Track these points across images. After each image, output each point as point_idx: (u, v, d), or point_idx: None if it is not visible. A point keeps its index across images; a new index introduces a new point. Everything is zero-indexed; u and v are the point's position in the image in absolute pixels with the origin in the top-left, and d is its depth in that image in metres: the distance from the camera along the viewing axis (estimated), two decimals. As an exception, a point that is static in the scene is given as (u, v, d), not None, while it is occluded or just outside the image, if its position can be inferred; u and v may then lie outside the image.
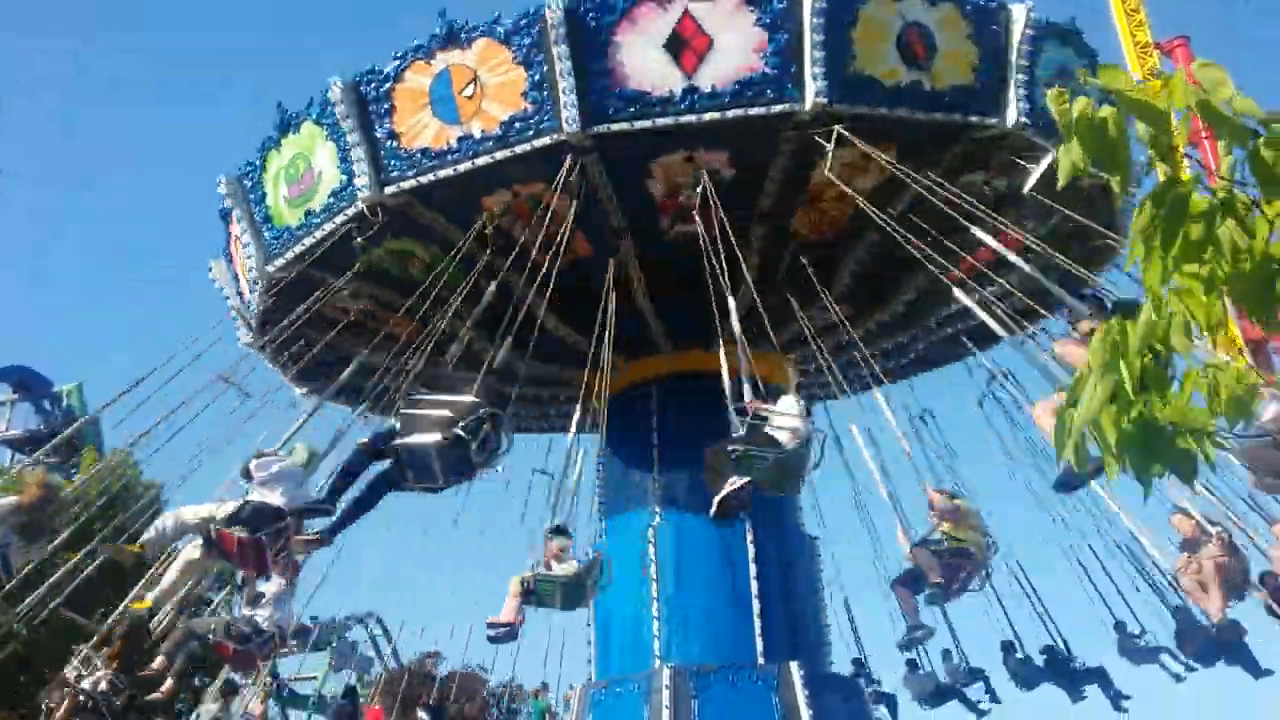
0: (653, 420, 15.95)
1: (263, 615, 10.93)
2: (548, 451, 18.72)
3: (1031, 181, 12.64)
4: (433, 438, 8.77)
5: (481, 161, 12.40)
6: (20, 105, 67.30)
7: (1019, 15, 12.94)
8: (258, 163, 14.47)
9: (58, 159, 76.45)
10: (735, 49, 12.13)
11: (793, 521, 16.01)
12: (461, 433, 8.70)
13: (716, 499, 10.23)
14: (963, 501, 12.43)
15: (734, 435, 10.02)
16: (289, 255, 14.20)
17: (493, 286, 12.64)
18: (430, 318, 13.75)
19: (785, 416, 9.88)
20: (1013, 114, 12.85)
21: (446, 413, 8.87)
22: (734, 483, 10.07)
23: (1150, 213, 2.58)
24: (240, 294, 15.93)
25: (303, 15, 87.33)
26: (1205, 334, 2.63)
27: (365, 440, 9.77)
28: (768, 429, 9.82)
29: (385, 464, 9.53)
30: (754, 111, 12.12)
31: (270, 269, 14.55)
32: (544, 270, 12.37)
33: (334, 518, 9.88)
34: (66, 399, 13.46)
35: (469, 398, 9.10)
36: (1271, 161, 2.46)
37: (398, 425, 9.34)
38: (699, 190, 12.66)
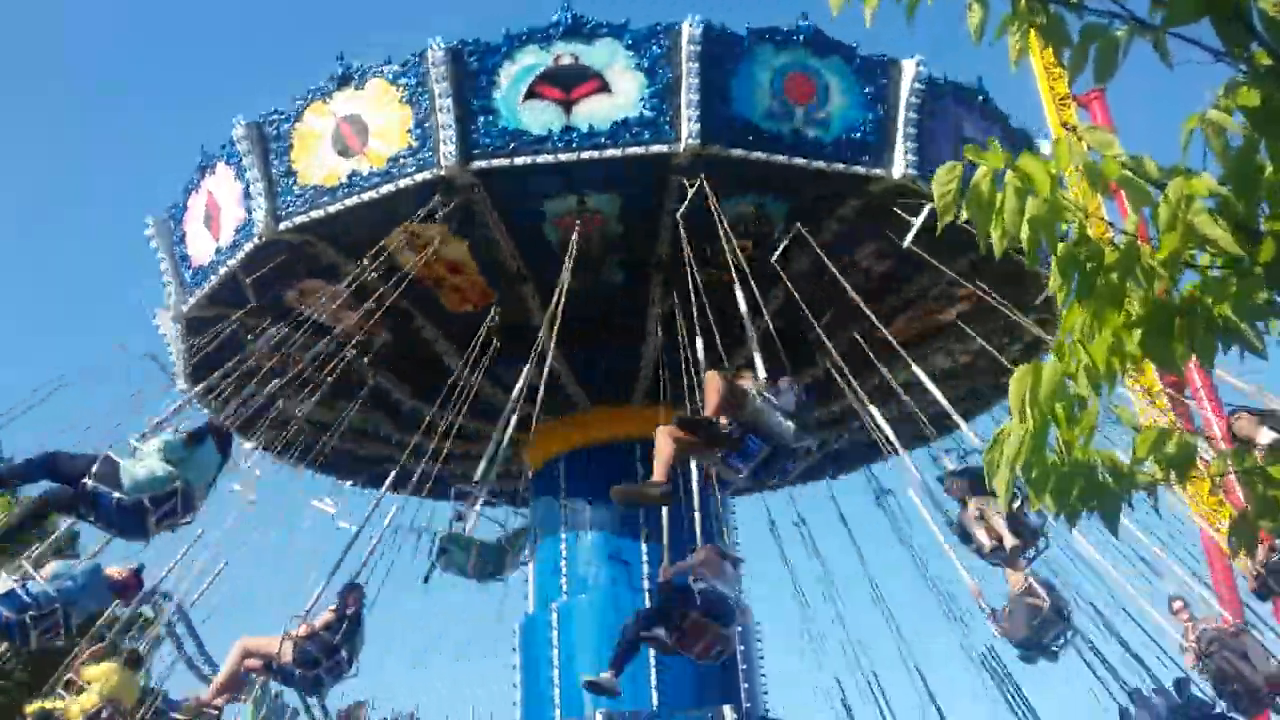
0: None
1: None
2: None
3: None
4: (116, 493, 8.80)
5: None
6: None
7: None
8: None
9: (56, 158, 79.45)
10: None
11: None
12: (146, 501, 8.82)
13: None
14: None
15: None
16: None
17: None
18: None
19: None
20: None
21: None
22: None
23: (1061, 269, 2.71)
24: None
25: (303, 15, 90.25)
26: (1104, 380, 2.72)
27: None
28: None
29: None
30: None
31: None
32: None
33: None
34: None
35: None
36: (1166, 216, 2.58)
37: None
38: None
